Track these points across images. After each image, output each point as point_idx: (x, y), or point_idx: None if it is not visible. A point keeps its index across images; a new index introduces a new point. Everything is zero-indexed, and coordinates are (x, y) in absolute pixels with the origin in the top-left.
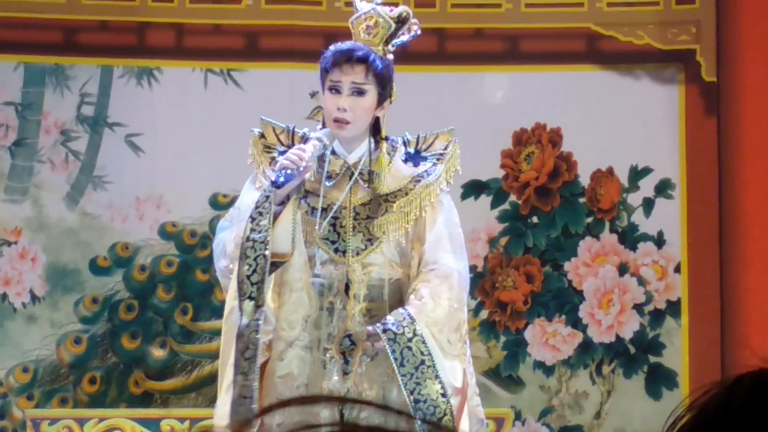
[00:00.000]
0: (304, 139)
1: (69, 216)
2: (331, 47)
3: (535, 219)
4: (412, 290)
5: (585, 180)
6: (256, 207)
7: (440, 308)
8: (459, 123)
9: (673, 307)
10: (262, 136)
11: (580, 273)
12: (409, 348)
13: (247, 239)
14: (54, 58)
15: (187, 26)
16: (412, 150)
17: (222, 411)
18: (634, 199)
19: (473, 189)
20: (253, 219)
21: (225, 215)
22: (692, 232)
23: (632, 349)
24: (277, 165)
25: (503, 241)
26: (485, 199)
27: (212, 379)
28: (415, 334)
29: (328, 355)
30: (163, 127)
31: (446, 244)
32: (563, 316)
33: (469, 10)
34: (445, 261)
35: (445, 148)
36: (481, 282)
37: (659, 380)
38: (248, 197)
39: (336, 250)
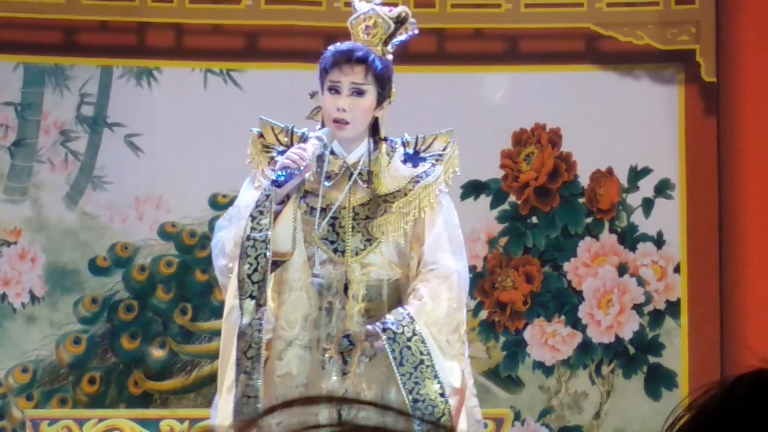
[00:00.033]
0: (303, 139)
1: (68, 216)
2: (331, 48)
3: (534, 219)
4: (411, 290)
5: (584, 180)
6: (257, 206)
7: (439, 308)
8: (458, 123)
9: (673, 308)
10: (261, 135)
11: (580, 273)
12: (408, 347)
13: (248, 238)
14: (53, 59)
15: (186, 26)
16: (410, 151)
17: (225, 411)
18: (634, 199)
19: (473, 189)
20: (253, 218)
21: (224, 214)
22: (692, 233)
23: (632, 350)
24: (277, 164)
25: (503, 241)
26: (485, 200)
27: (212, 379)
28: (414, 334)
29: (327, 355)
30: (163, 128)
31: (445, 245)
32: (563, 317)
33: (468, 10)
34: (445, 261)
35: (444, 149)
36: (481, 282)
37: (659, 380)
38: (247, 196)
39: (335, 250)
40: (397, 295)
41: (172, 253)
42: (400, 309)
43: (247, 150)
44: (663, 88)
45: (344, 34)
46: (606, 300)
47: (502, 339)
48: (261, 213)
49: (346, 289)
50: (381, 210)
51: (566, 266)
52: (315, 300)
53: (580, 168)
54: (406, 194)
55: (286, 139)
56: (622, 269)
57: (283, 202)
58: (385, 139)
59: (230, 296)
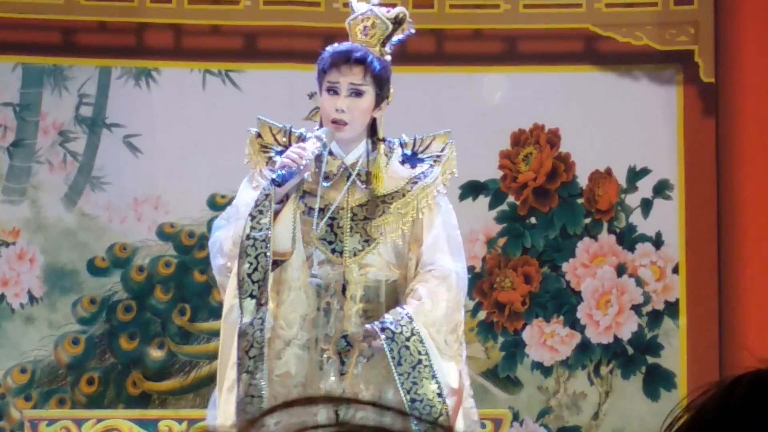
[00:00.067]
0: (301, 139)
1: (67, 217)
2: (329, 48)
3: (533, 220)
4: (410, 290)
5: (583, 181)
6: (256, 205)
7: (438, 309)
8: (457, 124)
9: (671, 308)
10: (259, 135)
11: (578, 274)
12: (407, 347)
13: (247, 237)
14: (52, 59)
15: (185, 27)
16: (408, 152)
17: (227, 410)
18: (633, 199)
19: (471, 190)
20: (253, 217)
21: (222, 214)
22: (690, 233)
23: (630, 350)
24: (277, 163)
25: (501, 241)
26: (483, 200)
27: (210, 379)
28: (412, 334)
29: (325, 355)
30: (162, 128)
31: (444, 246)
32: (561, 317)
33: (467, 11)
34: (443, 262)
35: (442, 150)
36: (479, 283)
37: (657, 381)
38: (245, 196)
39: (333, 251)
40: (395, 297)
41: (171, 253)
42: (398, 309)
43: (245, 150)
44: (662, 88)
45: (343, 35)
46: (605, 300)
47: (500, 339)
48: (261, 212)
49: (344, 289)
50: (379, 211)
51: (565, 267)
52: (314, 300)
53: (578, 168)
54: (404, 195)
55: (284, 140)
56: (620, 270)
57: (282, 201)
58: (383, 140)
59: (229, 295)
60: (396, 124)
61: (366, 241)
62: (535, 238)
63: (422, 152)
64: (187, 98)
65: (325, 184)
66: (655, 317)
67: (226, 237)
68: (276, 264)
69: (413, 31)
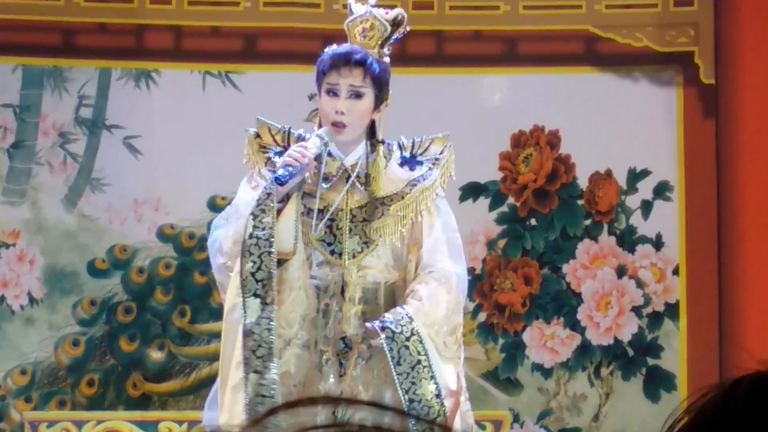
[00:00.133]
0: (300, 140)
1: (67, 218)
2: (328, 50)
3: (533, 221)
4: (410, 291)
5: (583, 182)
6: (258, 204)
7: (438, 310)
8: (457, 125)
9: (672, 310)
10: (258, 136)
11: (579, 275)
12: (407, 347)
13: (250, 236)
14: (52, 60)
15: (185, 28)
16: (407, 154)
17: (233, 410)
18: (633, 201)
19: (471, 191)
20: (255, 216)
21: (221, 214)
22: (690, 235)
23: (630, 352)
24: (279, 162)
25: (501, 243)
26: (483, 202)
27: (211, 381)
28: (412, 334)
29: (324, 357)
30: (162, 130)
31: (444, 249)
32: (561, 319)
33: (467, 13)
34: (443, 265)
35: (441, 153)
36: (480, 284)
37: (657, 382)
38: (245, 196)
39: (332, 252)
40: (393, 299)
41: (171, 255)
42: (398, 308)
43: (244, 151)
44: (662, 90)
45: (343, 36)
46: (605, 302)
47: (500, 341)
48: (263, 211)
49: (342, 291)
50: (378, 213)
51: (565, 268)
52: (313, 300)
53: (578, 170)
54: (403, 197)
55: (282, 140)
56: (620, 271)
57: (282, 200)
58: (382, 142)
59: (232, 294)
60: (396, 125)
61: (365, 243)
62: (536, 240)
63: (421, 155)
64: (187, 99)
65: (324, 185)
66: (656, 319)
67: (225, 236)
68: (278, 263)
69: (408, 29)
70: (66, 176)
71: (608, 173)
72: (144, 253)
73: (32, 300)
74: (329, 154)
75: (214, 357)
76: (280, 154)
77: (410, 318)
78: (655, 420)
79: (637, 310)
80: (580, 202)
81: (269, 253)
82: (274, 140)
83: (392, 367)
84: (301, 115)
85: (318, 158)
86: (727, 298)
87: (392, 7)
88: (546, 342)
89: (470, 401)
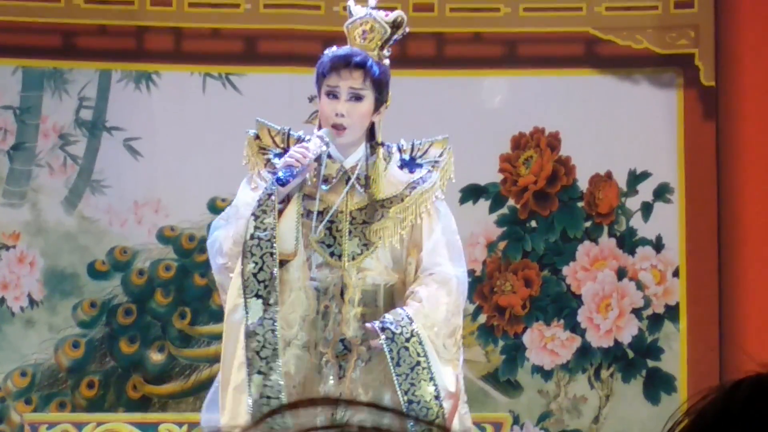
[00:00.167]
0: (300, 141)
1: (67, 220)
2: (328, 52)
3: (533, 223)
4: (410, 293)
5: (583, 184)
6: (259, 205)
7: (438, 312)
8: (457, 127)
9: (672, 312)
10: (257, 137)
11: (579, 277)
12: (406, 348)
13: (251, 237)
14: (52, 62)
15: (185, 30)
16: (407, 157)
17: (235, 410)
18: (633, 203)
19: (471, 193)
20: (256, 217)
21: (220, 214)
22: (691, 237)
23: (631, 354)
24: (280, 163)
25: (502, 245)
26: (483, 204)
27: (211, 383)
28: (412, 335)
29: (323, 359)
30: (162, 132)
31: (444, 251)
32: (562, 321)
33: (467, 15)
34: (444, 267)
35: (440, 156)
36: (480, 286)
37: (658, 385)
38: (245, 197)
39: (332, 254)
40: (392, 302)
41: (171, 257)
42: (398, 309)
43: (243, 152)
44: (662, 92)
45: (343, 38)
46: (605, 304)
47: (501, 343)
48: (264, 212)
49: (342, 293)
50: (378, 215)
51: (565, 270)
52: (313, 301)
53: (579, 172)
54: (402, 200)
55: (282, 142)
56: (621, 273)
57: (283, 201)
58: (382, 144)
59: (233, 295)
60: (396, 127)
61: (365, 245)
62: (536, 242)
63: (420, 157)
64: (187, 101)
65: (324, 187)
66: (656, 321)
67: (225, 236)
68: (280, 264)
69: (407, 30)
70: (66, 178)
71: (608, 175)
72: (144, 255)
73: (32, 302)
74: (329, 156)
75: (215, 359)
76: (279, 155)
77: (410, 319)
78: (655, 422)
79: (637, 312)
80: (581, 204)
81: (271, 253)
82: (274, 142)
83: (392, 368)
84: (301, 117)
85: (318, 159)
86: (727, 300)
87: (392, 9)
88: (546, 344)
89: (470, 403)
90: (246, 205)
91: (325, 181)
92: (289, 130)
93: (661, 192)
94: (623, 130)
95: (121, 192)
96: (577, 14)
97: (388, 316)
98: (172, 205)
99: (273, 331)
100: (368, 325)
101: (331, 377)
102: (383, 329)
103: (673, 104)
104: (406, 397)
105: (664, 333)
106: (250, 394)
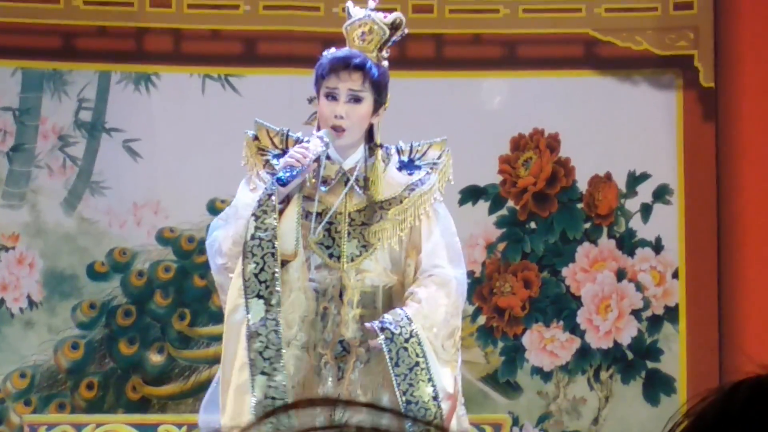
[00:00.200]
0: (299, 142)
1: (66, 221)
2: (327, 54)
3: (532, 224)
4: (409, 293)
5: (583, 185)
6: (259, 205)
7: (437, 313)
8: (457, 128)
9: (671, 313)
10: (256, 138)
11: (578, 279)
12: (405, 349)
13: (252, 237)
14: (52, 64)
15: (184, 32)
16: (405, 158)
17: (237, 410)
18: (632, 204)
19: (471, 194)
20: (257, 217)
21: (219, 215)
22: (690, 238)
23: (630, 355)
24: (280, 163)
25: (501, 246)
26: (483, 205)
27: (210, 384)
28: (411, 335)
29: (323, 360)
30: (161, 133)
31: (443, 253)
32: (561, 322)
33: (466, 16)
34: (443, 269)
35: (439, 158)
36: (479, 288)
37: (657, 386)
38: (244, 197)
39: (330, 255)
40: (391, 304)
41: (171, 258)
42: (397, 310)
43: (242, 153)
44: (661, 93)
45: (343, 40)
46: (604, 305)
47: (500, 344)
48: (264, 212)
49: (341, 294)
50: (377, 217)
51: (565, 271)
52: (312, 302)
53: (578, 173)
54: (401, 201)
55: (281, 143)
56: (620, 274)
57: (282, 202)
58: (381, 146)
59: (233, 296)
60: (396, 128)
61: (363, 246)
62: (535, 243)
63: (419, 159)
64: (187, 103)
65: (323, 188)
66: (655, 322)
67: (225, 237)
68: (281, 264)
69: (406, 32)
70: (65, 179)
71: (608, 176)
72: (143, 257)
73: (32, 303)
74: (328, 158)
75: (214, 360)
76: (278, 156)
77: (409, 320)
78: (655, 423)
79: (636, 313)
80: (580, 205)
81: (272, 254)
82: (273, 143)
83: (390, 368)
84: (300, 118)
85: (317, 160)
86: (726, 301)
87: (391, 10)
88: (545, 345)
89: (470, 404)
90: (245, 206)
91: (324, 182)
92: (288, 131)
93: (661, 193)
94: (623, 131)
95: (121, 193)
96: (576, 15)
97: (388, 317)
98: (171, 206)
99: (276, 331)
100: (368, 324)
101: (330, 378)
102: (382, 329)
103: (673, 105)
104: (404, 398)
105: (664, 334)
106: (253, 395)
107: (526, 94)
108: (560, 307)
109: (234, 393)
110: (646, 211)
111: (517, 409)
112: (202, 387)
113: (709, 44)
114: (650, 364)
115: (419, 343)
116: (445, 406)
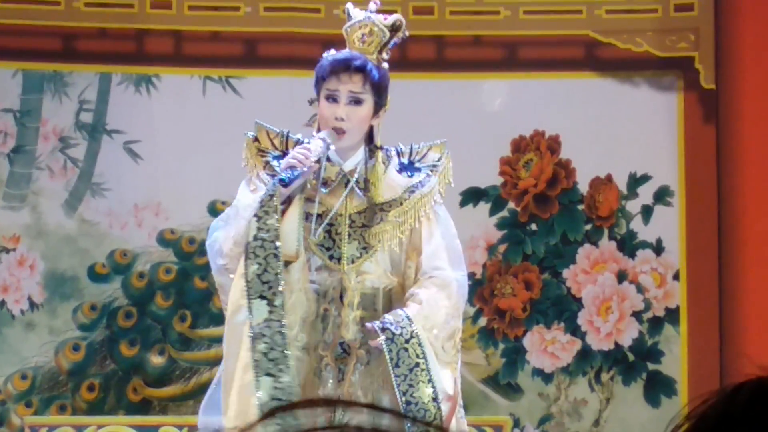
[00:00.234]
0: (299, 144)
1: (67, 223)
2: (327, 56)
3: (533, 226)
4: (410, 295)
5: (584, 187)
6: (261, 206)
7: (437, 314)
8: (457, 130)
9: (672, 315)
10: (256, 139)
11: (579, 280)
12: (406, 349)
13: (254, 238)
14: (53, 65)
15: (185, 33)
16: (405, 160)
17: (242, 411)
18: (633, 206)
19: (472, 196)
20: (259, 218)
21: (220, 215)
22: (691, 240)
23: (631, 357)
24: (282, 164)
25: (502, 248)
26: (484, 207)
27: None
28: (412, 336)
29: (323, 362)
30: (162, 134)
31: (444, 255)
32: (562, 324)
33: (467, 18)
34: (443, 270)
35: (439, 160)
36: (480, 289)
37: (658, 388)
38: (244, 198)
39: (331, 257)
40: (391, 306)
41: (171, 260)
42: (398, 310)
43: (242, 154)
44: (662, 95)
45: (343, 41)
46: (605, 307)
47: (501, 346)
48: (266, 213)
49: (342, 296)
50: (377, 219)
51: (565, 273)
52: (313, 303)
53: (579, 175)
54: (401, 204)
55: (281, 144)
56: (621, 276)
57: (283, 203)
58: (381, 148)
59: (236, 296)
60: (397, 130)
61: (364, 248)
62: (536, 245)
63: (419, 161)
64: (188, 104)
65: (323, 190)
66: (656, 324)
67: (225, 237)
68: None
69: (407, 34)
70: (66, 181)
71: (608, 178)
72: (144, 258)
73: (33, 305)
74: (328, 159)
75: (215, 362)
76: (278, 158)
77: (410, 320)
78: (656, 425)
79: (637, 315)
80: (581, 207)
81: (275, 255)
82: (273, 144)
83: (390, 368)
84: (301, 120)
85: (318, 161)
86: (727, 303)
87: (391, 12)
88: (546, 347)
89: (471, 406)
90: (245, 207)
91: (325, 184)
92: (288, 132)
93: (662, 195)
94: (623, 133)
95: (122, 195)
96: (577, 17)
97: (388, 317)
98: (172, 208)
99: (281, 333)
100: (368, 325)
101: (331, 380)
102: (383, 329)
103: (673, 107)
104: (404, 398)
105: (665, 336)
106: (259, 397)
107: (527, 96)
108: (561, 308)
109: (238, 394)
110: (646, 212)
111: (518, 411)
112: (203, 389)
113: (709, 46)
114: (651, 366)
115: (420, 344)
116: (444, 407)
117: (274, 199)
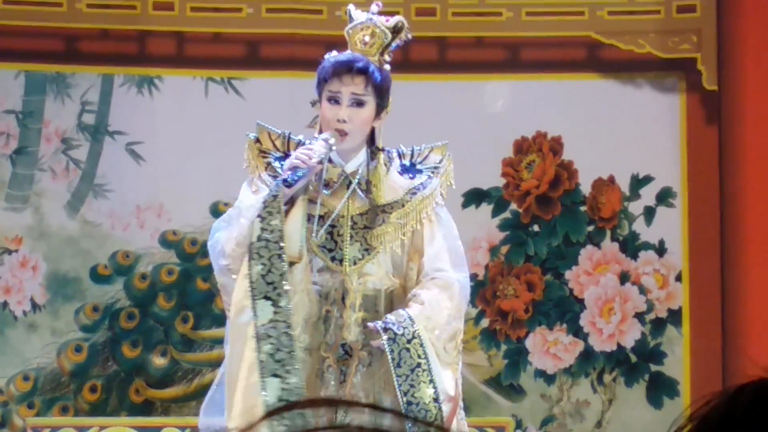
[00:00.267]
0: (300, 145)
1: (70, 224)
2: (329, 57)
3: (536, 227)
4: (412, 295)
5: (586, 188)
6: (265, 206)
7: (439, 315)
8: (460, 131)
9: (675, 316)
10: (258, 140)
11: (581, 281)
12: (407, 350)
13: (258, 239)
14: (55, 67)
15: (187, 35)
16: (407, 162)
17: (246, 413)
18: (635, 207)
19: (474, 197)
20: (263, 218)
21: (221, 216)
22: (693, 241)
23: (633, 358)
24: (285, 164)
25: (504, 249)
26: (486, 208)
27: None
28: (414, 336)
29: (325, 363)
30: (164, 136)
31: (446, 257)
32: (564, 325)
33: (469, 19)
34: (446, 272)
35: (440, 162)
36: (482, 291)
37: (660, 389)
38: (246, 199)
39: (332, 259)
40: (392, 307)
41: (174, 261)
42: (400, 311)
43: (243, 155)
44: (664, 96)
45: (345, 43)
46: (608, 308)
47: (503, 347)
48: (270, 213)
49: (343, 298)
50: (379, 220)
51: (568, 274)
52: (316, 304)
53: (581, 176)
54: (403, 205)
55: (282, 145)
56: (623, 277)
57: (287, 203)
58: (382, 149)
59: (240, 297)
60: (398, 131)
61: (366, 250)
62: (538, 246)
63: (420, 163)
64: (190, 106)
65: (325, 191)
66: (659, 325)
67: (228, 238)
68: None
69: (410, 36)
70: (69, 182)
71: (611, 179)
72: (146, 259)
73: (35, 306)
74: (330, 161)
75: (217, 363)
76: (279, 159)
77: (412, 320)
78: (658, 427)
79: (640, 316)
80: (583, 208)
81: (279, 255)
82: (274, 145)
83: (392, 368)
84: (302, 121)
85: (321, 162)
86: (730, 304)
87: (393, 14)
88: (549, 348)
89: (473, 407)
90: (248, 207)
91: (327, 185)
92: (290, 133)
93: (664, 196)
94: (626, 134)
95: (124, 196)
96: (579, 18)
97: (391, 317)
98: (174, 209)
99: (287, 333)
100: (370, 325)
101: (333, 382)
102: (385, 329)
103: (676, 108)
104: (405, 399)
105: (667, 337)
106: (265, 398)
107: (529, 97)
108: (563, 310)
109: (242, 394)
110: (649, 214)
111: (520, 412)
112: (205, 390)
113: (712, 47)
114: (654, 367)
115: (421, 345)
116: (445, 407)
117: (278, 199)
